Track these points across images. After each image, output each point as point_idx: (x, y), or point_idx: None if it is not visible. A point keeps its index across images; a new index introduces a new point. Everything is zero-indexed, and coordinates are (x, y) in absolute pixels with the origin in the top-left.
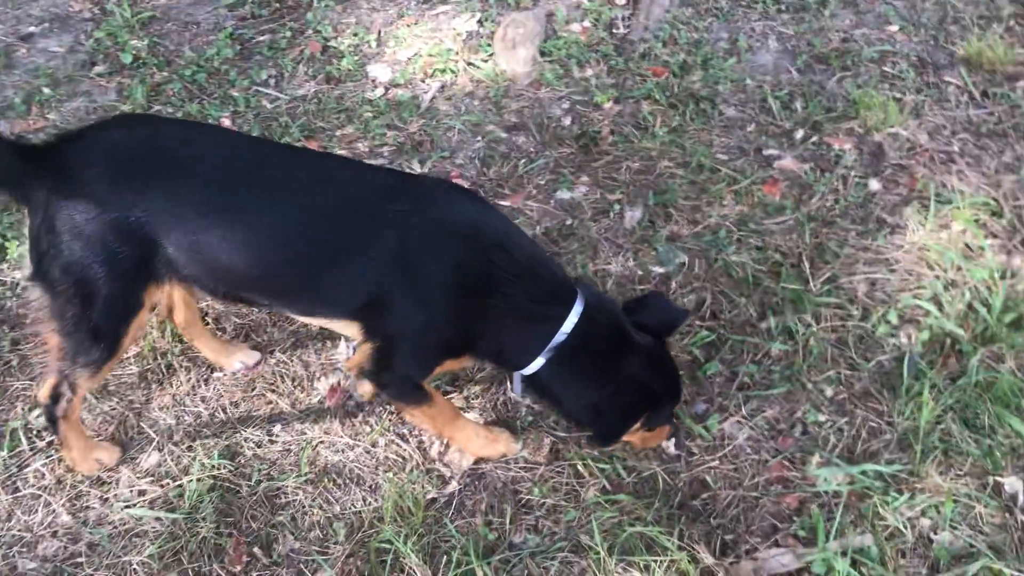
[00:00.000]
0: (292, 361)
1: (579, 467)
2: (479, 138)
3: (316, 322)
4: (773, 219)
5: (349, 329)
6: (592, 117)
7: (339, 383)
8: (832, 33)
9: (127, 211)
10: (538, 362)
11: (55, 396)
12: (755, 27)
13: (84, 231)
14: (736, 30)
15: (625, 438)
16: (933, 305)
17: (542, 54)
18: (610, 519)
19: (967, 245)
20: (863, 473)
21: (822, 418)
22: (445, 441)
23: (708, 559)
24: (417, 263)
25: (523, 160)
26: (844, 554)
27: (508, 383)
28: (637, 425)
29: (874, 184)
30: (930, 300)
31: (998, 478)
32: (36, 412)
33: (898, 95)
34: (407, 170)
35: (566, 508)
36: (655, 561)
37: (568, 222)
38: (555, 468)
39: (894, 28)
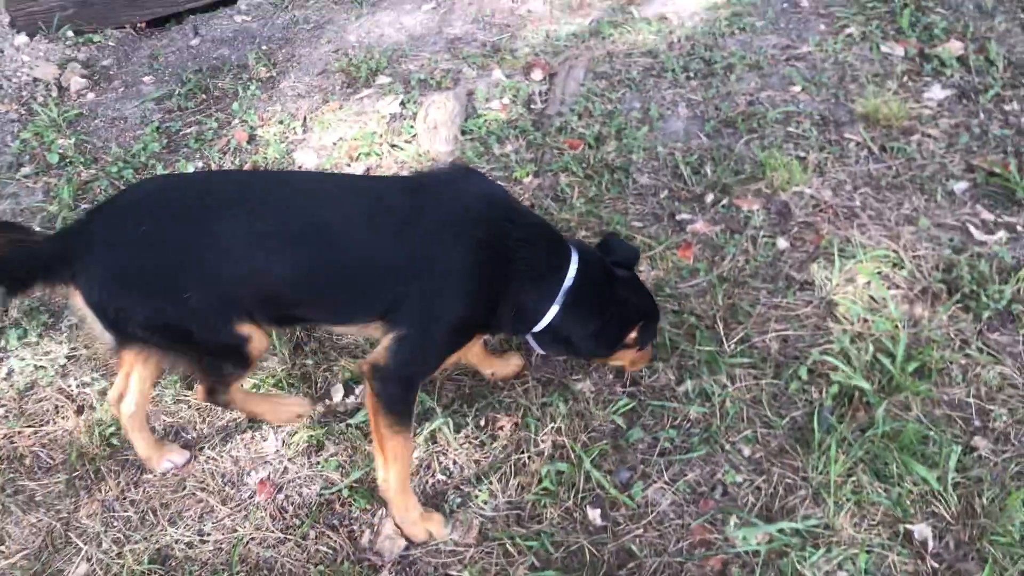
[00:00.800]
0: (221, 457)
1: (508, 547)
2: None
3: (351, 329)
4: (688, 282)
5: (376, 330)
6: (513, 192)
7: (269, 476)
8: (739, 97)
9: (179, 262)
10: (553, 310)
11: (210, 392)
12: (665, 96)
13: (142, 289)
14: (648, 99)
15: (620, 359)
16: (841, 359)
17: (463, 133)
18: None
19: (871, 297)
20: (780, 530)
21: (740, 478)
22: (377, 528)
23: None
24: (440, 250)
25: None
26: None
27: (448, 447)
28: (633, 335)
29: (782, 242)
30: (838, 354)
31: (908, 526)
32: None
33: (802, 154)
34: None
35: None
36: None
37: None
38: (484, 549)
39: (797, 89)
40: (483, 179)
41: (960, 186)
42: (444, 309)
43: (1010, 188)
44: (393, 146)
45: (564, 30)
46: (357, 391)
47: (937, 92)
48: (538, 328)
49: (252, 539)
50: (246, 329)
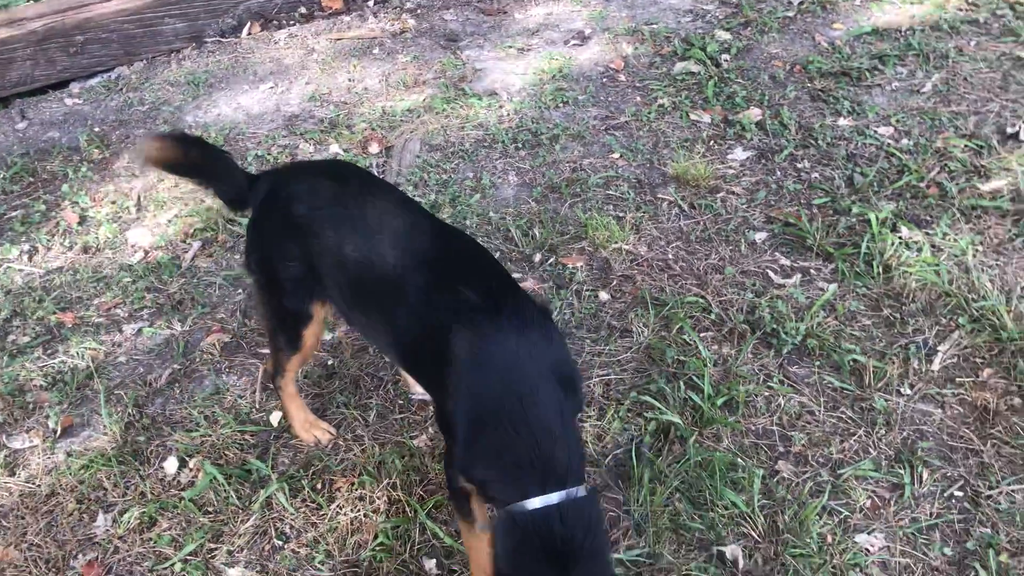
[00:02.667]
0: (47, 543)
1: None
2: (240, 291)
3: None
4: None
5: None
6: None
7: (98, 557)
8: (563, 164)
9: (297, 241)
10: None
11: (273, 371)
12: (496, 165)
13: (273, 246)
14: (480, 169)
15: None
16: (658, 398)
17: None
18: None
19: (684, 340)
20: None
21: None
22: None
23: None
24: None
25: None
26: None
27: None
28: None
29: (603, 295)
30: (656, 394)
31: (721, 547)
32: None
33: (620, 214)
34: (167, 330)
35: None
36: None
37: (330, 362)
38: None
39: (616, 156)
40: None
41: (760, 236)
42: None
43: (803, 236)
44: (229, 221)
45: (400, 106)
46: (191, 464)
47: (739, 154)
48: None
49: None
50: (317, 309)
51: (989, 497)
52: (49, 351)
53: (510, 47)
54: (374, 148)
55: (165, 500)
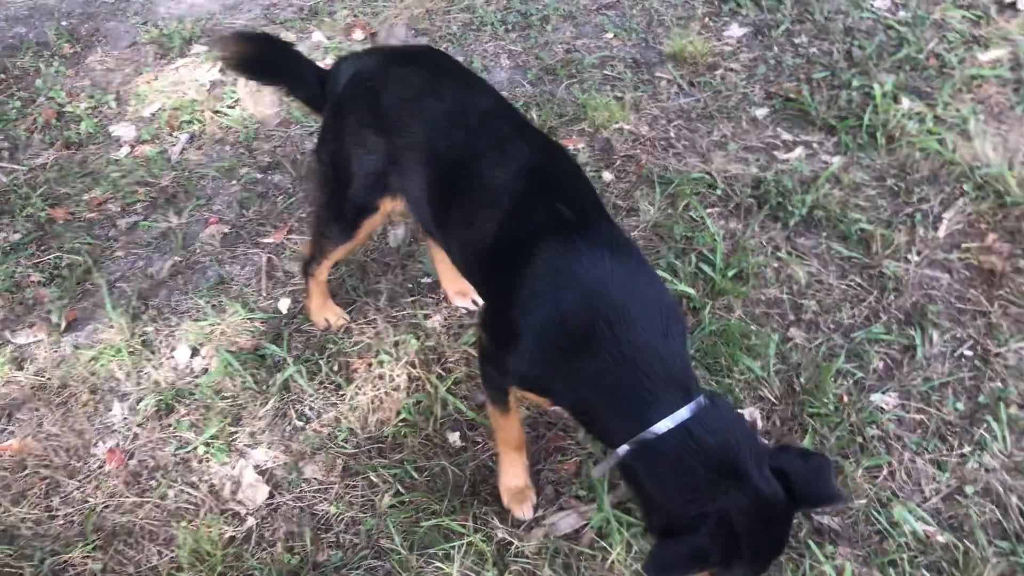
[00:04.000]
0: (64, 432)
1: (372, 478)
2: (235, 182)
3: None
4: None
5: None
6: None
7: (118, 444)
8: (556, 46)
9: (381, 133)
10: None
11: (310, 257)
12: (487, 48)
13: (350, 137)
14: (470, 52)
15: None
16: (669, 273)
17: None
18: (407, 519)
19: (691, 217)
20: None
21: None
22: (237, 479)
23: (501, 533)
24: None
25: (281, 197)
26: (618, 505)
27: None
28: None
29: (607, 175)
30: (666, 268)
31: (740, 410)
32: None
33: (619, 94)
34: (164, 223)
35: (364, 519)
36: (453, 548)
37: None
38: (348, 484)
39: (610, 36)
40: None
41: (761, 112)
42: None
43: (805, 110)
44: (216, 112)
45: None
46: (203, 352)
47: (735, 30)
48: None
49: (106, 507)
50: (386, 203)
51: (998, 355)
52: (43, 247)
53: None
54: (358, 35)
55: (181, 387)
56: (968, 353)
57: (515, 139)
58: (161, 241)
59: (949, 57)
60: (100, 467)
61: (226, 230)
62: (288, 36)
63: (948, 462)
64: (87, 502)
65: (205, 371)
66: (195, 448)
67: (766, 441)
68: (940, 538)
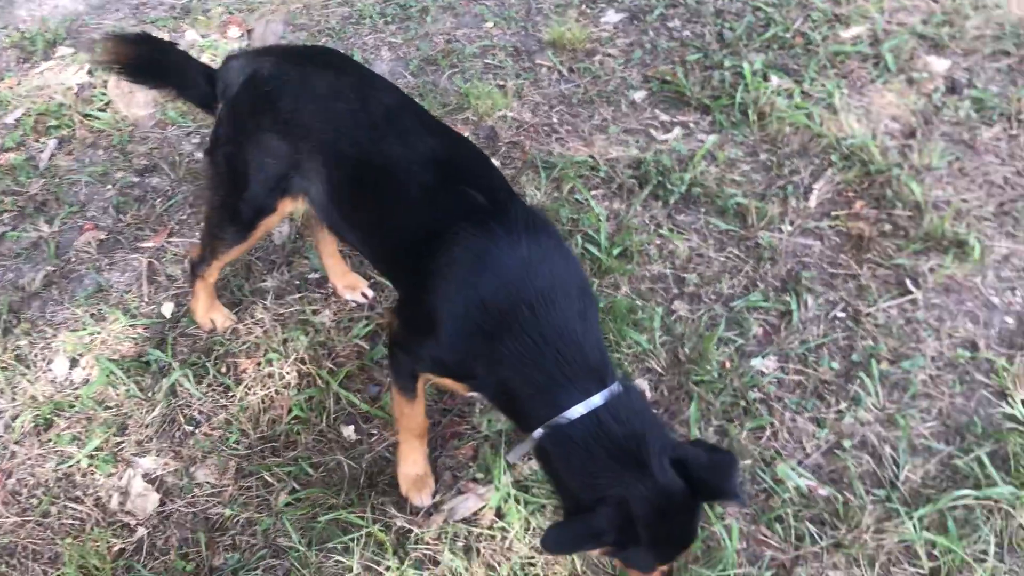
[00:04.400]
0: None
1: (266, 477)
2: (110, 186)
3: None
4: None
5: None
6: None
7: None
8: (436, 37)
9: (283, 137)
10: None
11: (199, 259)
12: (367, 41)
13: (248, 141)
14: (350, 46)
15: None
16: None
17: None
18: (304, 515)
19: (576, 199)
20: None
21: None
22: (126, 490)
23: (400, 522)
24: None
25: (160, 200)
26: (516, 483)
27: None
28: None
29: (494, 162)
30: None
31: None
32: None
33: (501, 83)
34: (34, 232)
35: (260, 519)
36: (352, 540)
37: None
38: (242, 485)
39: (490, 25)
40: None
41: (639, 95)
42: None
43: (680, 92)
44: (86, 116)
45: None
46: (82, 362)
47: (612, 16)
48: None
49: None
50: (285, 204)
51: (868, 315)
52: None
53: None
54: (234, 32)
55: (60, 400)
56: (841, 315)
57: (420, 132)
58: (32, 251)
59: (814, 35)
60: None
61: (103, 236)
62: (160, 36)
63: (826, 419)
64: None
65: (86, 382)
66: (78, 462)
67: (677, 436)
68: (822, 491)
